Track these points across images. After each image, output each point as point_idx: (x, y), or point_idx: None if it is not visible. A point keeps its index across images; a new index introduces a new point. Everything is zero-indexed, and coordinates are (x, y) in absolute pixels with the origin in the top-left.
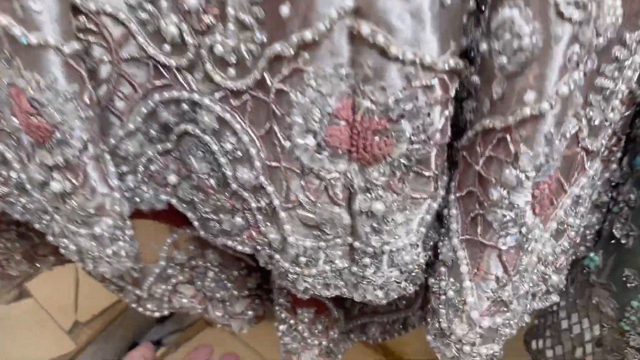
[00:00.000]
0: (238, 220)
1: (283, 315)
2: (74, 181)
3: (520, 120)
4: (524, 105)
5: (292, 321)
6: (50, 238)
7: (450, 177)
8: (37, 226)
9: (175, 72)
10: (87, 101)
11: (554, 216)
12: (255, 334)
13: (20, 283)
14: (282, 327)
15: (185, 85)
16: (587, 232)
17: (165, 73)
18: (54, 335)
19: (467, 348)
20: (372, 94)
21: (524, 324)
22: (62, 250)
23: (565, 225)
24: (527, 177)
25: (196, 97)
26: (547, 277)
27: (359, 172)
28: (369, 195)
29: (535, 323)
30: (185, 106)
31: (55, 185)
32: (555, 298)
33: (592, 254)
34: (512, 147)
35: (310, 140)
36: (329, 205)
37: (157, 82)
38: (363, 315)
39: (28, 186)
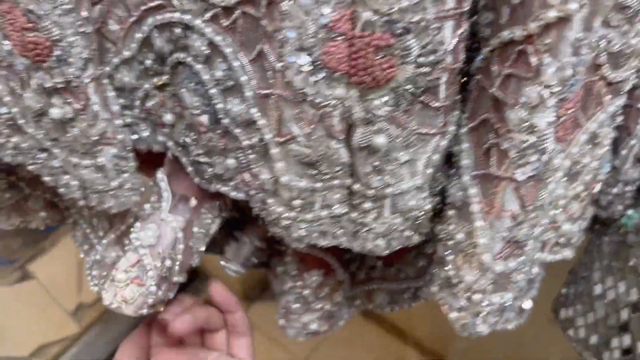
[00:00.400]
0: (230, 162)
1: (290, 275)
2: (75, 105)
3: (543, 26)
4: (548, 7)
5: (298, 283)
6: (47, 179)
7: (462, 110)
8: (30, 167)
9: None
10: (86, 14)
11: (568, 153)
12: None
13: (22, 265)
14: (285, 287)
15: (177, 4)
16: (627, 188)
17: None
18: (57, 317)
19: (477, 296)
20: (373, 2)
21: (532, 276)
22: (61, 190)
23: (580, 166)
24: (551, 93)
25: (187, 18)
26: (557, 224)
27: (359, 100)
28: (370, 127)
29: (563, 292)
30: (178, 31)
31: (55, 112)
32: (568, 253)
33: (630, 211)
34: (533, 60)
35: (305, 59)
36: (325, 139)
37: (151, 3)
38: (370, 281)
39: (21, 121)
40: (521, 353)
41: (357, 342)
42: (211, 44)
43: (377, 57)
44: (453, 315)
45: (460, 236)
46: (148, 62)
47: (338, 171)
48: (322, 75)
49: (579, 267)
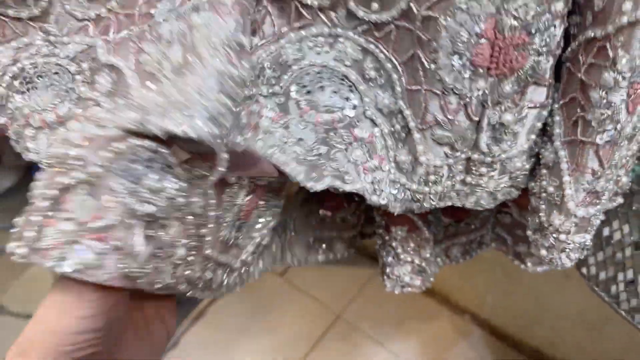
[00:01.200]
0: (358, 153)
1: (380, 231)
2: None
3: (618, 28)
4: (622, 14)
5: (386, 237)
6: None
7: (554, 87)
8: None
9: (317, 11)
10: None
11: (631, 121)
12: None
13: None
14: (378, 242)
15: (327, 21)
16: None
17: (305, 14)
18: None
19: (562, 236)
20: (515, 12)
21: (600, 221)
22: None
23: (636, 130)
24: (624, 78)
25: (339, 31)
26: (619, 178)
27: (494, 87)
28: (499, 108)
29: None
30: (321, 39)
31: None
32: (620, 200)
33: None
34: (610, 53)
35: (456, 62)
36: (464, 122)
37: (296, 24)
38: (447, 239)
39: None
40: (541, 304)
41: (389, 300)
42: (364, 50)
43: (515, 53)
44: (543, 252)
45: (551, 189)
46: (268, 71)
47: (466, 146)
48: (469, 72)
49: None
